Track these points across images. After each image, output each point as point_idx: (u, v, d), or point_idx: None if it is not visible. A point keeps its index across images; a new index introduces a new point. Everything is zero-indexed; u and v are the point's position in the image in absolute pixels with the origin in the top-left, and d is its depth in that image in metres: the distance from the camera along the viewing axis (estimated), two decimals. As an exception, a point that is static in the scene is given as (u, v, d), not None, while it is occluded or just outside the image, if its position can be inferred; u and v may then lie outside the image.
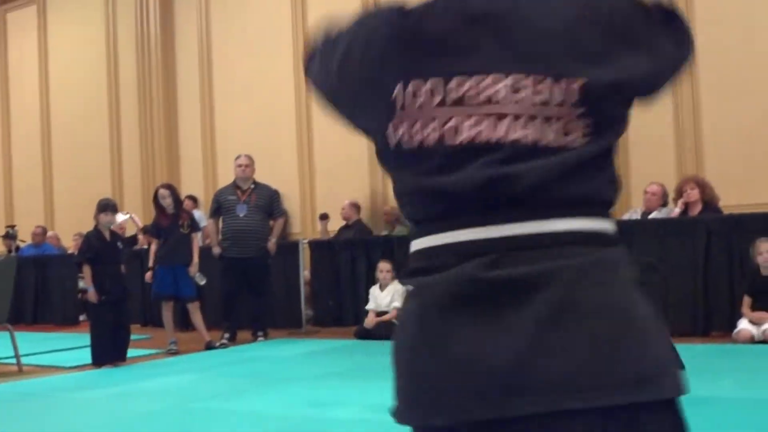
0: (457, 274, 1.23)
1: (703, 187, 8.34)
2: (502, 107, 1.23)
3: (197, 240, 8.94)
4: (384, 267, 9.11)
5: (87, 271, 7.78)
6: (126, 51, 15.62)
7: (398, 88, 1.28)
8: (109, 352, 7.71)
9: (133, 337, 9.18)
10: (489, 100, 1.24)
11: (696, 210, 8.23)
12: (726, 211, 8.35)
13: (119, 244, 8.13)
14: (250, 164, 9.50)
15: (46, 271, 12.72)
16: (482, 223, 1.25)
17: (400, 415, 1.33)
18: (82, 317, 11.94)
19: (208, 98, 14.78)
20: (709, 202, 8.27)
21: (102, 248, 7.84)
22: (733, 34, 9.82)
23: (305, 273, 10.20)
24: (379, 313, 9.01)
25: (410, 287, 1.34)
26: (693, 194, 8.18)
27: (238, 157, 9.62)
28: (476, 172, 1.24)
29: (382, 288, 9.12)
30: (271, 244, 9.37)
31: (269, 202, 9.44)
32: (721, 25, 9.87)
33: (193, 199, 13.36)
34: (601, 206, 1.29)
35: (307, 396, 5.60)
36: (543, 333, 1.17)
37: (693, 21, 10.10)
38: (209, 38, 14.77)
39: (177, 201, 8.88)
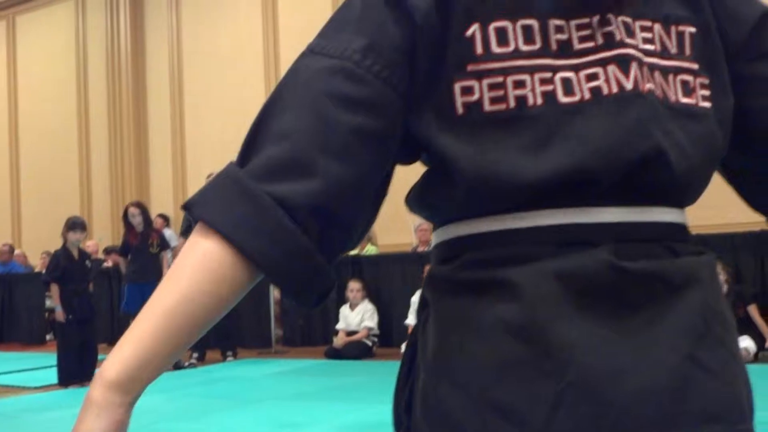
0: (586, 260, 0.93)
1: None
2: (621, 51, 0.97)
3: (167, 259, 8.89)
4: (354, 286, 9.10)
5: (55, 289, 7.71)
6: (96, 67, 15.56)
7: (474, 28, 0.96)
8: (76, 371, 7.63)
9: (100, 356, 9.09)
10: (606, 46, 0.97)
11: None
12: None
13: (88, 262, 8.06)
14: None
15: (12, 289, 12.59)
16: (585, 203, 0.96)
17: None
18: (48, 336, 11.83)
19: (178, 116, 14.74)
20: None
21: (70, 267, 7.78)
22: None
23: (275, 292, 10.16)
24: (349, 333, 8.99)
25: (469, 283, 0.98)
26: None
27: (210, 176, 9.59)
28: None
29: (352, 307, 9.10)
30: None
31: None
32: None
33: (164, 218, 13.29)
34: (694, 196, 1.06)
35: (277, 416, 5.57)
36: (698, 347, 0.93)
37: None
38: (180, 56, 14.75)
39: (147, 220, 8.85)
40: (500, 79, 0.94)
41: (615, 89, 0.95)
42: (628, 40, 0.97)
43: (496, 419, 0.91)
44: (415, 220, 10.58)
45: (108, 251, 13.05)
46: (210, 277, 0.92)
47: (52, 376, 7.72)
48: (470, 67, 0.95)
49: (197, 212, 0.94)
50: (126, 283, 8.70)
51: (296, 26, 13.29)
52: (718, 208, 9.27)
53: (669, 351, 0.92)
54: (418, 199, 1.08)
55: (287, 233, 0.91)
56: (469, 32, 0.95)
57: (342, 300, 9.31)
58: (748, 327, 7.27)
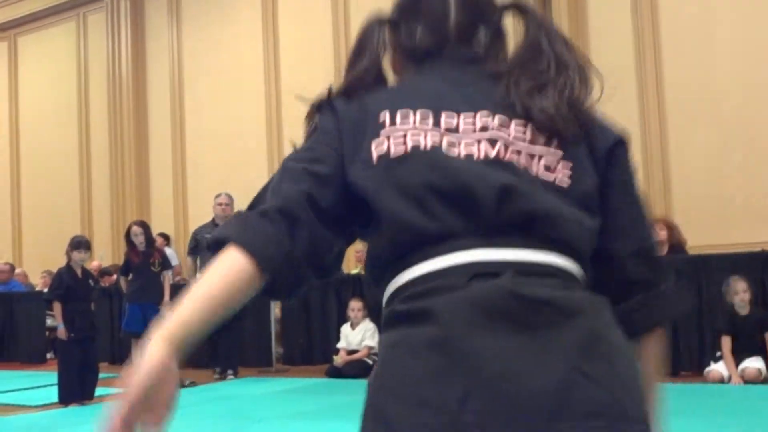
0: (490, 288, 1.23)
1: (671, 229, 8.43)
2: (492, 134, 1.36)
3: (168, 278, 8.90)
4: (355, 305, 9.11)
5: (57, 307, 7.71)
6: (97, 87, 15.61)
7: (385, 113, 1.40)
8: (76, 390, 7.63)
9: (101, 375, 9.07)
10: (483, 128, 1.37)
11: (662, 251, 8.31)
12: (693, 252, 8.44)
13: (90, 281, 8.07)
14: (230, 203, 9.54)
15: (13, 308, 12.57)
16: (488, 245, 1.29)
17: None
18: (49, 355, 11.81)
19: (179, 136, 14.78)
20: (676, 245, 8.35)
21: (73, 285, 7.79)
22: (701, 72, 9.96)
23: (276, 311, 10.17)
24: (350, 352, 8.99)
25: (401, 314, 1.28)
26: (661, 234, 8.26)
27: (218, 196, 9.65)
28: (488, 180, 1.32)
29: (353, 326, 9.10)
30: None
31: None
32: (688, 64, 10.04)
33: (165, 237, 13.31)
34: (580, 254, 1.35)
35: (277, 435, 5.57)
36: (583, 361, 1.19)
37: (660, 60, 10.30)
38: (181, 76, 14.80)
39: (149, 239, 8.86)
40: (402, 135, 1.36)
41: (482, 156, 1.33)
42: (499, 131, 1.35)
43: (421, 411, 1.18)
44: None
45: (102, 273, 13.05)
46: (229, 271, 1.32)
47: (52, 394, 7.71)
48: (382, 132, 1.37)
49: (221, 233, 1.35)
50: (127, 303, 8.70)
51: (296, 45, 13.36)
52: (745, 228, 9.38)
53: (559, 361, 1.18)
54: (369, 276, 1.44)
55: (273, 235, 1.31)
56: (381, 115, 1.38)
57: (343, 319, 9.32)
58: (761, 349, 7.32)
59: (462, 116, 1.38)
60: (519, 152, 1.35)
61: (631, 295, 1.40)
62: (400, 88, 1.50)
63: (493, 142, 1.34)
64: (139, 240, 8.73)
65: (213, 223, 9.53)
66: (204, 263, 9.33)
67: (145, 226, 8.94)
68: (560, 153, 1.36)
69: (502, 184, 1.29)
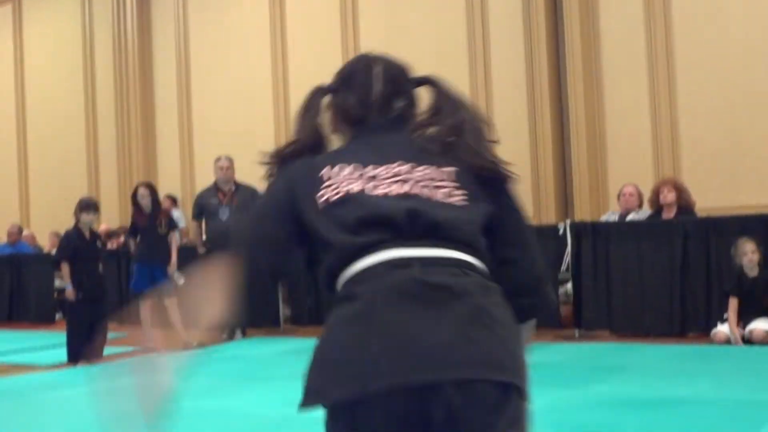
0: (402, 276, 1.70)
1: (680, 190, 8.39)
2: (404, 177, 1.86)
3: (176, 239, 8.90)
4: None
5: (65, 269, 7.75)
6: (103, 50, 15.54)
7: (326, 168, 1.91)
8: (84, 349, 7.68)
9: (111, 335, 9.10)
10: (396, 174, 1.87)
11: (671, 213, 8.27)
12: (702, 214, 8.40)
13: (98, 243, 8.09)
14: (231, 166, 9.46)
15: (21, 269, 12.63)
16: (404, 246, 1.76)
17: (322, 395, 1.71)
18: (58, 316, 11.86)
19: (185, 99, 14.73)
20: (685, 206, 8.31)
21: (81, 247, 7.81)
22: (710, 35, 9.88)
23: (283, 273, 10.17)
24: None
25: (340, 298, 1.76)
26: (669, 197, 8.22)
27: (218, 159, 9.58)
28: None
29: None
30: None
31: (251, 203, 9.41)
32: (697, 27, 9.95)
33: (172, 199, 13.31)
34: (479, 250, 1.83)
35: (285, 395, 5.58)
36: (465, 328, 1.65)
37: (671, 23, 10.20)
38: (187, 38, 14.71)
39: (155, 200, 8.85)
40: (339, 183, 1.84)
41: (395, 193, 1.82)
42: (410, 173, 1.85)
43: (344, 359, 1.65)
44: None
45: (110, 235, 13.08)
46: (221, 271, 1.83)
47: (61, 354, 7.76)
48: (323, 184, 1.85)
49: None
50: (135, 263, 8.71)
51: (303, 10, 13.27)
52: (755, 190, 9.35)
53: (449, 328, 1.64)
54: (324, 286, 1.84)
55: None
56: (323, 171, 1.88)
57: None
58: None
59: (382, 167, 1.87)
60: (425, 186, 1.84)
61: (520, 294, 1.88)
62: (339, 150, 1.99)
63: (403, 182, 1.85)
64: (145, 202, 8.72)
65: (215, 187, 9.50)
66: (210, 228, 9.34)
67: (151, 188, 8.92)
68: (456, 184, 1.86)
69: (410, 208, 1.78)
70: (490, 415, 1.64)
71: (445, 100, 1.98)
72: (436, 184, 1.85)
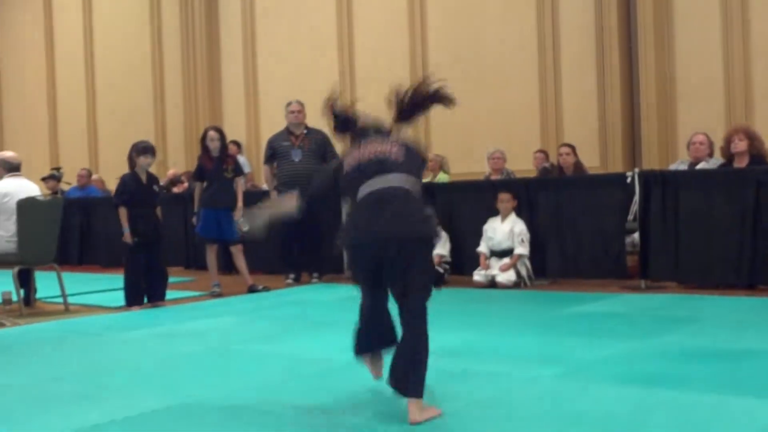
0: (374, 194, 3.73)
1: (752, 139, 8.14)
2: (379, 149, 3.87)
3: (241, 185, 8.95)
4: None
5: (123, 213, 7.78)
6: (169, -4, 15.61)
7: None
8: (141, 294, 7.79)
9: (176, 279, 9.25)
10: (376, 149, 3.86)
11: (743, 162, 8.05)
12: (775, 164, 8.18)
13: (155, 187, 8.11)
14: (302, 110, 9.55)
15: (90, 213, 12.86)
16: (378, 180, 3.78)
17: (356, 238, 3.78)
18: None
19: (250, 42, 14.75)
20: (758, 155, 8.06)
21: (138, 191, 7.83)
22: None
23: (346, 219, 10.20)
24: (420, 260, 9.01)
25: (357, 203, 3.80)
26: (741, 145, 7.99)
27: (289, 104, 9.65)
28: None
29: (423, 235, 9.10)
30: None
31: (322, 147, 9.48)
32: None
33: (238, 145, 13.39)
34: (414, 182, 3.83)
35: (348, 340, 5.62)
36: (395, 218, 3.65)
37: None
38: (253, -18, 14.70)
39: (223, 145, 8.88)
40: (351, 160, 3.92)
41: (372, 156, 3.85)
42: (382, 147, 3.87)
43: (351, 227, 3.83)
44: (489, 148, 10.48)
45: (175, 181, 13.22)
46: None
47: (129, 297, 7.89)
48: (345, 161, 3.97)
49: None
50: (202, 208, 8.77)
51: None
52: None
53: (387, 216, 3.65)
54: (343, 193, 4.05)
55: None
56: (348, 154, 3.99)
57: (414, 227, 9.30)
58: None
59: (368, 148, 3.87)
60: (390, 152, 3.82)
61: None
62: (353, 148, 3.97)
63: (378, 152, 3.83)
64: (215, 145, 8.75)
65: (287, 131, 9.56)
66: (281, 170, 9.39)
67: (220, 132, 8.95)
68: (403, 151, 3.86)
69: (378, 159, 3.80)
70: (414, 250, 3.67)
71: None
72: (394, 151, 3.84)
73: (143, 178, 7.92)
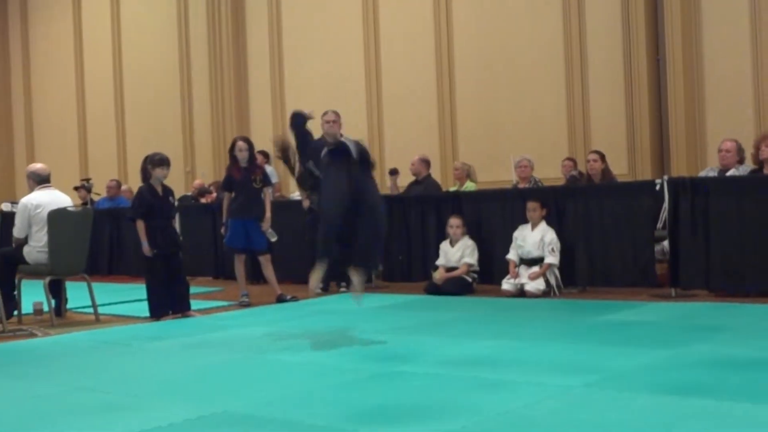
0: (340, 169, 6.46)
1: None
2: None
3: (269, 195, 8.97)
4: (455, 222, 9.07)
5: (141, 225, 7.77)
6: (196, 7, 15.71)
7: None
8: (165, 305, 7.80)
9: (205, 289, 9.27)
10: None
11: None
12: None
13: (171, 198, 8.10)
14: (338, 119, 9.53)
15: (120, 223, 12.93)
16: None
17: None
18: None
19: (277, 53, 14.82)
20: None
21: (155, 203, 7.83)
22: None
23: (375, 228, 10.19)
24: (449, 269, 8.99)
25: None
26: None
27: (325, 113, 9.63)
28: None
29: (452, 243, 9.08)
30: None
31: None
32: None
33: (265, 155, 13.42)
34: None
35: (377, 350, 5.62)
36: (355, 182, 6.30)
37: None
38: (279, -7, 14.77)
39: (251, 156, 8.90)
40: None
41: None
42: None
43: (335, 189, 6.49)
44: (515, 156, 10.45)
45: (202, 192, 13.28)
46: None
47: (158, 307, 7.92)
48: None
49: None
50: (230, 218, 8.79)
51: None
52: None
53: (347, 179, 6.30)
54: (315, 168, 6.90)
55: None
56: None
57: (442, 236, 9.30)
58: None
59: None
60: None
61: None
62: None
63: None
64: (243, 155, 8.77)
65: (322, 140, 9.58)
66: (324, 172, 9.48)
67: (249, 143, 8.98)
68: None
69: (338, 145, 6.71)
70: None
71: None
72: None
73: (159, 189, 7.92)
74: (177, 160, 14.44)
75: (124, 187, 14.94)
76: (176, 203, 8.54)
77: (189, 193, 13.60)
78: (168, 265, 7.84)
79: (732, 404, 3.76)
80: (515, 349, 5.44)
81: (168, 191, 8.05)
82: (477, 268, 9.02)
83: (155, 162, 7.88)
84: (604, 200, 8.52)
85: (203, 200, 12.93)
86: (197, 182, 14.05)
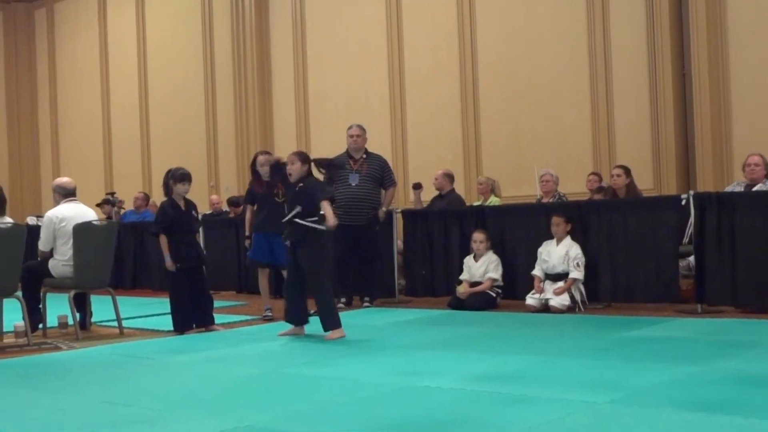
0: None
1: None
2: None
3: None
4: (479, 237, 9.05)
5: (163, 240, 7.80)
6: (221, 23, 15.84)
7: None
8: (189, 319, 7.81)
9: (229, 303, 9.28)
10: None
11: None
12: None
13: (194, 212, 8.12)
14: (362, 134, 9.63)
15: (144, 237, 12.99)
16: None
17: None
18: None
19: (301, 67, 14.87)
20: None
21: (177, 217, 7.85)
22: None
23: (398, 242, 10.20)
24: (473, 284, 8.97)
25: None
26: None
27: (350, 128, 9.72)
28: None
29: (476, 258, 9.06)
30: (381, 212, 9.60)
31: (381, 172, 9.58)
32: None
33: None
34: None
35: (400, 364, 5.60)
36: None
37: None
38: (303, 9, 14.83)
39: (283, 171, 8.91)
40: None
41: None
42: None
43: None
44: (539, 171, 10.41)
45: (231, 203, 13.33)
46: None
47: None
48: None
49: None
50: (253, 232, 8.81)
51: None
52: None
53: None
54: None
55: None
56: None
57: (466, 251, 9.28)
58: None
59: None
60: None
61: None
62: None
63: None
64: (265, 170, 8.79)
65: (347, 154, 9.62)
66: (339, 194, 9.46)
67: (279, 162, 9.00)
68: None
69: None
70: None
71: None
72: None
73: (181, 204, 7.95)
74: (201, 175, 14.54)
75: (150, 201, 15.02)
76: (199, 217, 8.55)
77: (208, 212, 13.56)
78: (191, 280, 7.87)
79: (758, 421, 3.71)
80: (540, 365, 5.40)
81: (191, 205, 8.07)
82: (501, 283, 8.98)
83: (176, 177, 7.90)
84: (628, 215, 8.47)
85: (230, 214, 13.00)
86: (213, 197, 14.12)
